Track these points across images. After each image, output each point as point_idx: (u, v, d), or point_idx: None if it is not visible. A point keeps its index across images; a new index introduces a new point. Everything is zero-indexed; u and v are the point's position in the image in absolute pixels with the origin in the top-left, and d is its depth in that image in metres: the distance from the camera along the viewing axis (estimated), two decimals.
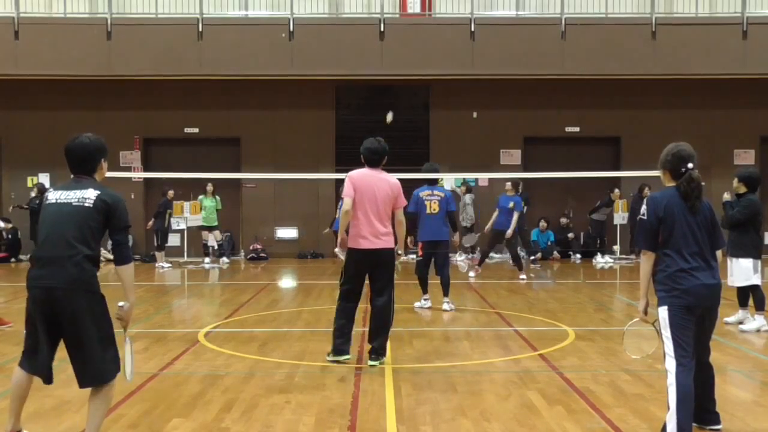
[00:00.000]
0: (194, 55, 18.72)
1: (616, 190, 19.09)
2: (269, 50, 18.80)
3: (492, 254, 19.63)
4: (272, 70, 19.03)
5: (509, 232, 14.81)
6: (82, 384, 4.69)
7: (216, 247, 18.64)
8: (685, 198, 4.98)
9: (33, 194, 19.18)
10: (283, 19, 18.94)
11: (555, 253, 19.73)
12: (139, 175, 19.50)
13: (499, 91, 20.09)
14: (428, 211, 10.83)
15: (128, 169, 20.11)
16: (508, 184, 15.21)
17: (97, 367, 4.62)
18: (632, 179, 18.90)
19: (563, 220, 20.27)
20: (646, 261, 5.05)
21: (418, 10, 20.12)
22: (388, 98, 20.91)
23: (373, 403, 6.13)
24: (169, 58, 18.69)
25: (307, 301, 12.44)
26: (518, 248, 15.94)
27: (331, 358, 7.51)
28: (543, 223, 19.77)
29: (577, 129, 20.56)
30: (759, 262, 9.19)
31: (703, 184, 5.07)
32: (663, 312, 4.95)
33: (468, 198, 19.40)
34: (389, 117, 10.71)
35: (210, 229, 18.38)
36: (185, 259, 18.87)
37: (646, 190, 18.17)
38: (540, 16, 19.94)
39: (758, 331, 9.10)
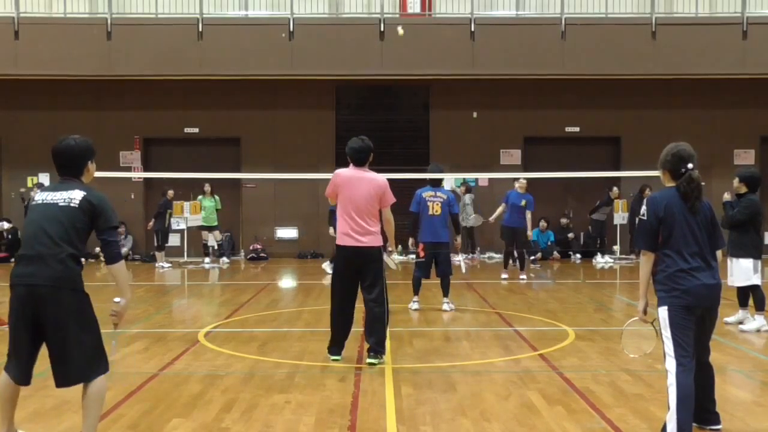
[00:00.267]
0: (194, 55, 18.72)
1: (615, 189, 19.09)
2: (269, 50, 18.80)
3: (492, 254, 19.68)
4: (272, 70, 19.03)
5: (529, 233, 14.87)
6: (58, 383, 4.66)
7: (216, 247, 18.64)
8: (685, 198, 4.98)
9: (33, 194, 19.19)
10: (283, 19, 18.94)
11: (555, 253, 19.73)
12: (139, 175, 19.50)
13: (499, 91, 20.09)
14: (430, 212, 10.82)
15: (128, 169, 20.12)
16: (523, 180, 14.99)
17: (74, 367, 4.59)
18: (632, 179, 18.91)
19: (563, 220, 20.27)
20: (645, 261, 5.05)
21: (418, 10, 20.12)
22: (388, 98, 20.95)
23: (373, 403, 6.13)
24: (169, 58, 18.69)
25: (307, 301, 12.44)
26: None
27: (330, 356, 7.62)
28: (543, 223, 19.77)
29: (577, 129, 20.56)
30: (759, 262, 9.19)
31: (702, 184, 5.07)
32: (663, 312, 4.95)
33: (468, 198, 19.40)
34: (400, 30, 10.65)
35: (210, 229, 18.39)
36: (185, 259, 18.86)
37: (647, 191, 18.19)
38: (540, 16, 19.95)
39: (758, 331, 9.10)
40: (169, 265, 17.97)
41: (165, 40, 18.60)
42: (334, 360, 7.55)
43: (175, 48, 18.64)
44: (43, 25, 18.95)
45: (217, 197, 18.47)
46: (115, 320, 4.81)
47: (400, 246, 19.26)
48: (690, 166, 5.01)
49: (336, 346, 7.62)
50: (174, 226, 18.07)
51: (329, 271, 15.54)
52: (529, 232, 14.95)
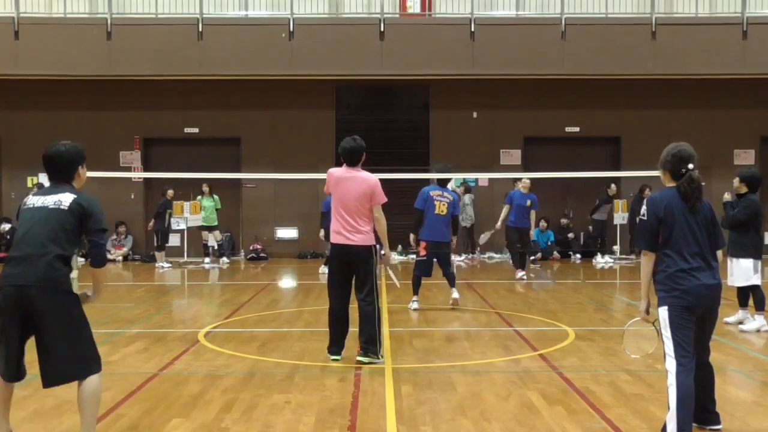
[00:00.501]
0: (194, 55, 18.72)
1: (613, 186, 19.08)
2: (269, 50, 18.79)
3: (492, 254, 19.67)
4: (272, 70, 19.02)
5: (532, 233, 14.84)
6: (45, 383, 4.69)
7: (216, 247, 18.64)
8: (685, 198, 4.98)
9: (25, 198, 19.18)
10: (283, 19, 18.94)
11: (555, 253, 19.73)
12: (139, 175, 19.50)
13: (499, 91, 20.09)
14: (436, 211, 10.85)
15: (128, 169, 20.12)
16: (526, 180, 14.95)
17: (61, 366, 4.63)
18: (632, 179, 18.90)
19: (563, 221, 20.27)
20: (646, 261, 5.05)
21: (418, 10, 20.12)
22: (388, 98, 20.94)
23: (373, 403, 6.13)
24: (169, 58, 18.68)
25: (307, 301, 12.44)
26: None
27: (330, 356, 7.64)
28: (543, 223, 19.76)
29: (577, 129, 20.56)
30: (759, 263, 9.19)
31: (703, 184, 5.07)
32: (663, 312, 4.95)
33: (468, 198, 19.39)
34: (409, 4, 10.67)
35: (210, 229, 18.39)
36: (185, 259, 18.86)
37: (647, 191, 18.19)
38: (540, 16, 19.94)
39: (758, 331, 9.10)
40: (169, 265, 17.97)
41: (165, 40, 18.60)
42: (333, 360, 7.56)
43: (175, 48, 18.64)
44: (43, 25, 18.93)
45: (216, 197, 18.47)
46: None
47: (399, 246, 19.28)
48: (690, 166, 5.01)
49: (335, 345, 7.64)
50: (174, 226, 18.06)
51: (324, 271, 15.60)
52: (533, 231, 14.93)
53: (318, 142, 20.28)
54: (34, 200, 4.83)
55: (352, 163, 7.61)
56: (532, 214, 14.72)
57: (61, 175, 4.87)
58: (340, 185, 7.54)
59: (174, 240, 19.05)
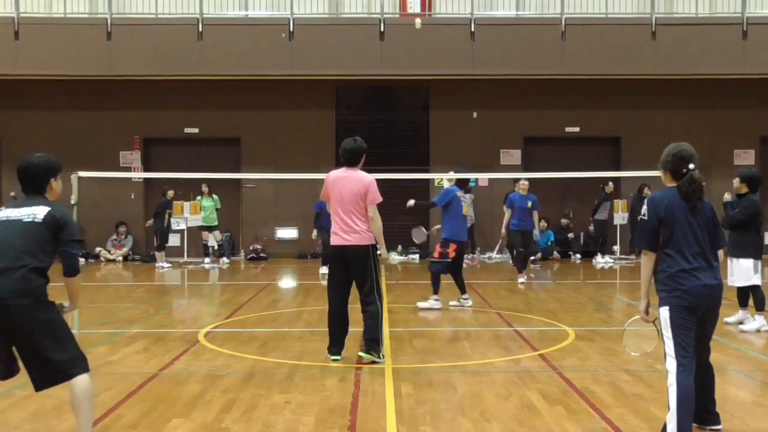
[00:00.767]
0: (194, 55, 18.72)
1: (610, 183, 19.06)
2: (269, 50, 18.79)
3: (491, 254, 19.67)
4: (272, 70, 19.02)
5: (536, 233, 14.80)
6: (36, 387, 4.77)
7: (216, 248, 18.64)
8: (686, 199, 4.97)
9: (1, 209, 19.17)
10: (283, 19, 18.94)
11: (555, 253, 19.72)
12: (139, 175, 19.49)
13: (499, 91, 20.09)
14: (463, 212, 10.92)
15: (128, 169, 20.12)
16: (525, 182, 14.91)
17: (45, 370, 4.68)
18: (632, 179, 18.89)
19: (563, 221, 20.26)
20: (646, 261, 5.05)
21: (418, 10, 20.11)
22: (388, 98, 20.94)
23: (373, 403, 6.14)
24: (169, 58, 18.68)
25: (307, 301, 12.44)
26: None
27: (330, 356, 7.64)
28: (543, 223, 19.71)
29: (577, 129, 20.56)
30: (759, 263, 9.19)
31: (704, 183, 5.06)
32: (664, 312, 4.94)
33: (467, 198, 19.35)
34: (418, 22, 10.70)
35: (210, 229, 18.39)
36: (185, 259, 18.85)
37: (646, 191, 18.17)
38: (540, 16, 19.94)
39: (758, 331, 9.10)
40: (169, 265, 17.97)
41: (165, 40, 18.60)
42: (333, 360, 7.56)
43: (175, 48, 18.64)
44: (43, 25, 18.93)
45: (216, 196, 18.47)
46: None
47: (399, 246, 19.29)
48: (691, 166, 5.01)
49: (335, 346, 7.64)
50: (174, 227, 18.06)
51: (323, 271, 15.59)
52: (537, 231, 14.87)
53: (318, 142, 20.29)
54: (8, 213, 4.88)
55: (351, 164, 7.61)
56: (535, 214, 14.68)
57: (34, 186, 4.93)
58: (336, 185, 7.54)
59: (174, 240, 19.05)
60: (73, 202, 9.40)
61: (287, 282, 16.02)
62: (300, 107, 20.35)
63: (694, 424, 5.08)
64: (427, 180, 19.45)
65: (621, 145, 20.55)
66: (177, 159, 19.81)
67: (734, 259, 9.19)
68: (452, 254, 10.87)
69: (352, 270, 7.52)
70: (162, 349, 8.26)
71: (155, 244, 18.17)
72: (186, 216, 17.97)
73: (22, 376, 4.82)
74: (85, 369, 4.78)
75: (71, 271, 4.83)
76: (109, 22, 18.62)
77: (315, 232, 15.84)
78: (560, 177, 17.36)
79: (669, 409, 4.86)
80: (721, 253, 5.23)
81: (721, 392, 6.10)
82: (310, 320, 10.25)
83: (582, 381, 6.79)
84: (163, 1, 19.31)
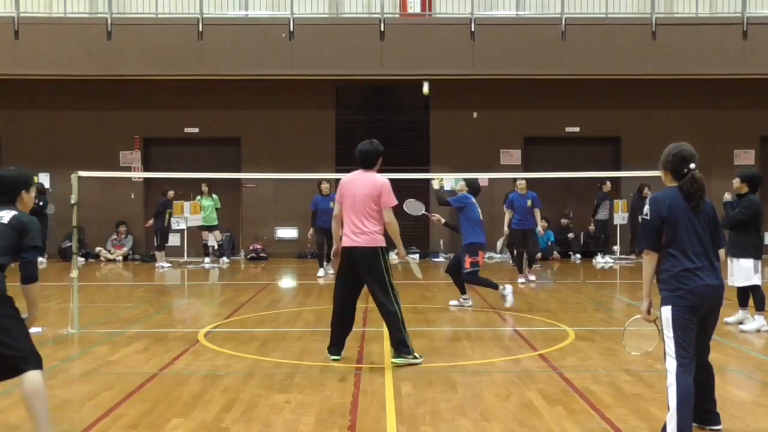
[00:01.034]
0: (194, 55, 18.72)
1: (608, 183, 19.05)
2: (269, 50, 18.79)
3: (492, 254, 19.66)
4: (272, 70, 19.02)
5: (539, 230, 14.77)
6: None
7: (216, 247, 18.64)
8: (688, 198, 4.98)
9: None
10: (283, 19, 18.94)
11: (555, 253, 19.72)
12: (139, 175, 19.49)
13: (499, 91, 20.09)
14: (481, 217, 11.10)
15: (128, 169, 20.13)
16: (521, 181, 14.84)
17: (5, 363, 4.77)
18: (632, 179, 18.89)
19: (563, 221, 20.26)
20: (649, 261, 5.04)
21: (418, 10, 20.11)
22: (388, 98, 20.94)
23: (373, 403, 6.14)
24: (169, 58, 18.68)
25: (307, 301, 12.44)
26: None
27: (329, 355, 7.63)
28: (543, 223, 19.74)
29: (577, 129, 20.56)
30: (759, 263, 9.19)
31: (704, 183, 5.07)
32: (666, 312, 4.94)
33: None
34: (425, 88, 10.73)
35: (210, 229, 18.39)
36: (185, 259, 18.86)
37: (646, 190, 18.18)
38: (540, 16, 19.94)
39: (758, 331, 9.10)
40: (169, 265, 17.97)
41: (165, 40, 18.60)
42: (333, 360, 7.55)
43: (175, 48, 18.64)
44: (43, 25, 18.93)
45: (215, 196, 18.47)
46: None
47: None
48: (692, 166, 5.01)
49: (335, 346, 7.64)
50: (174, 226, 18.08)
51: (320, 274, 15.55)
52: (539, 229, 14.83)
53: (318, 142, 20.29)
54: None
55: (366, 166, 7.57)
56: (536, 212, 14.65)
57: (4, 197, 5.01)
58: (350, 187, 7.49)
59: (174, 240, 19.06)
60: (73, 202, 9.38)
61: (287, 282, 16.02)
62: (300, 107, 20.35)
63: (694, 424, 5.08)
64: (427, 180, 19.43)
65: (621, 145, 20.55)
66: (177, 159, 19.82)
67: (734, 259, 9.19)
68: (482, 261, 11.06)
69: (362, 272, 7.44)
70: (162, 349, 8.27)
71: (155, 244, 18.17)
72: (186, 216, 17.99)
73: None
74: (36, 366, 4.81)
75: (29, 277, 4.85)
76: (109, 22, 18.63)
77: (311, 231, 15.83)
78: (560, 177, 17.36)
79: (669, 409, 4.86)
80: (722, 252, 5.23)
81: (721, 392, 6.10)
82: (310, 320, 10.25)
83: (582, 381, 6.79)
84: (163, 1, 19.31)
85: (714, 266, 4.99)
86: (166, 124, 20.42)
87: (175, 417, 5.77)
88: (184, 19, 18.84)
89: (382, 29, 18.76)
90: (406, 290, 11.50)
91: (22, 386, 4.78)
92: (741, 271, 9.14)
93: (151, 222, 18.25)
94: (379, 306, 7.47)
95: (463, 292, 11.33)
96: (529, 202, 14.56)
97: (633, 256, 18.71)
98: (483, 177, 19.81)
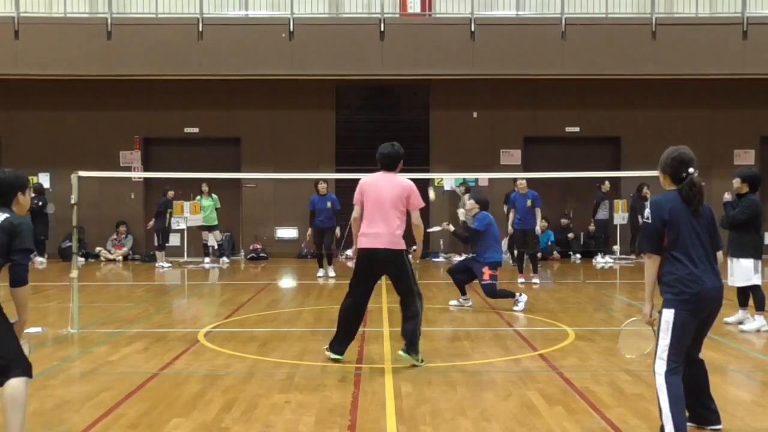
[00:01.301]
0: (194, 55, 18.72)
1: (606, 182, 19.03)
2: (269, 50, 18.79)
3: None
4: (272, 70, 19.02)
5: (538, 229, 14.78)
6: None
7: (216, 247, 18.64)
8: (687, 202, 4.98)
9: (32, 195, 19.19)
10: (283, 19, 18.94)
11: (555, 253, 19.72)
12: (139, 175, 19.49)
13: (499, 91, 20.10)
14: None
15: (128, 169, 20.12)
16: (521, 181, 14.79)
17: None
18: (632, 179, 18.89)
19: (563, 221, 20.26)
20: (651, 264, 5.03)
21: (418, 10, 20.11)
22: (388, 98, 20.94)
23: (373, 403, 6.14)
24: (169, 58, 18.69)
25: (307, 301, 12.44)
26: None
27: (327, 352, 7.57)
28: (543, 223, 19.72)
29: (577, 129, 20.56)
30: (759, 263, 9.19)
31: (703, 184, 5.07)
32: (668, 314, 4.92)
33: (467, 198, 19.35)
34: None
35: (210, 228, 18.39)
36: (185, 259, 18.86)
37: (645, 190, 18.20)
38: (540, 16, 19.94)
39: (758, 331, 9.09)
40: (169, 265, 17.97)
41: (165, 40, 18.60)
42: (335, 360, 7.49)
43: (175, 48, 18.64)
44: (43, 25, 18.93)
45: (215, 196, 18.47)
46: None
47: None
48: (691, 170, 5.02)
49: (340, 345, 7.54)
50: (174, 226, 18.08)
51: (320, 274, 15.51)
52: (539, 229, 14.81)
53: (318, 142, 20.29)
54: None
55: (389, 168, 7.56)
56: (537, 211, 14.62)
57: (0, 199, 4.96)
58: (376, 187, 7.44)
59: (174, 240, 19.06)
60: (73, 202, 9.39)
61: (287, 282, 16.02)
62: (300, 107, 20.35)
63: (694, 424, 5.09)
64: (427, 180, 19.44)
65: (621, 145, 20.55)
66: (177, 159, 19.82)
67: (734, 259, 9.18)
68: (498, 273, 11.14)
69: (389, 273, 7.44)
70: (162, 349, 8.27)
71: (156, 244, 18.17)
72: (186, 216, 17.99)
73: None
74: (21, 373, 4.72)
75: (18, 280, 4.75)
76: (109, 22, 18.63)
77: (309, 231, 15.81)
78: (560, 177, 17.37)
79: (661, 411, 4.85)
80: (720, 254, 5.24)
81: (721, 392, 6.11)
82: (310, 320, 10.25)
83: (582, 381, 6.79)
84: (163, 1, 19.32)
85: (714, 269, 5.02)
86: (166, 124, 20.42)
87: (175, 417, 5.77)
88: (184, 19, 18.84)
89: (382, 29, 18.76)
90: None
91: (3, 392, 4.68)
92: (741, 271, 9.13)
93: (152, 223, 18.24)
94: (404, 306, 7.45)
95: (463, 293, 11.35)
96: (529, 202, 14.53)
97: (633, 256, 18.71)
98: (483, 177, 19.94)
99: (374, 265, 7.43)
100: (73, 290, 9.55)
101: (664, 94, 20.05)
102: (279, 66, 18.84)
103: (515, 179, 15.71)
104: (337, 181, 18.49)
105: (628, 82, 19.71)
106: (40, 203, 18.70)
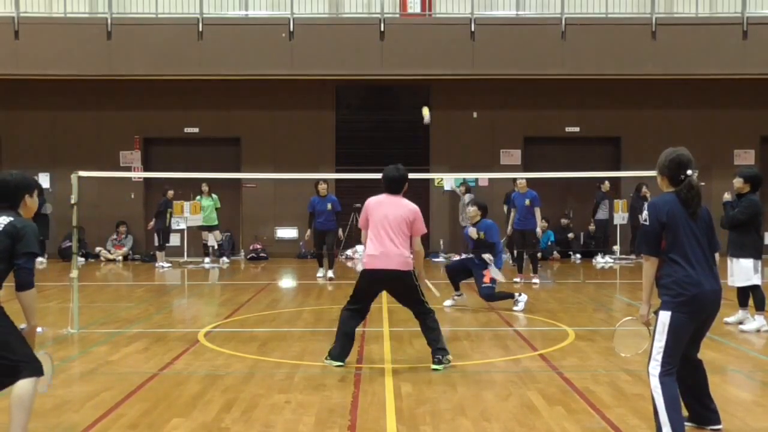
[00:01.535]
0: (194, 55, 18.72)
1: (606, 182, 19.03)
2: (269, 50, 18.79)
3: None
4: (272, 70, 19.02)
5: (538, 231, 14.77)
6: None
7: (216, 247, 18.64)
8: (685, 205, 4.97)
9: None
10: (283, 19, 18.94)
11: (555, 253, 19.72)
12: (139, 175, 19.49)
13: (499, 91, 20.09)
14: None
15: (128, 169, 20.13)
16: (521, 180, 14.76)
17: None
18: (632, 179, 18.89)
19: (563, 221, 20.26)
20: (649, 266, 5.02)
21: (418, 10, 20.11)
22: (388, 98, 20.94)
23: (373, 403, 6.14)
24: (169, 58, 18.69)
25: (307, 301, 12.44)
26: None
27: (327, 360, 7.50)
28: (543, 223, 19.70)
29: (577, 129, 20.56)
30: (759, 263, 9.19)
31: (702, 184, 5.07)
32: (665, 317, 4.91)
33: (467, 198, 19.35)
34: (426, 116, 10.71)
35: (210, 228, 18.39)
36: (185, 259, 18.86)
37: (644, 189, 18.21)
38: (540, 16, 19.94)
39: (758, 331, 9.09)
40: (169, 264, 17.97)
41: (165, 40, 18.60)
42: (337, 366, 7.38)
43: (175, 48, 18.64)
44: (43, 25, 18.94)
45: (215, 196, 18.47)
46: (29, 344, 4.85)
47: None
48: (689, 172, 5.01)
49: (342, 354, 7.46)
50: (174, 226, 18.08)
51: (320, 274, 15.51)
52: (539, 229, 14.79)
53: (318, 142, 20.29)
54: None
55: (394, 191, 7.57)
56: (536, 211, 14.59)
57: (6, 202, 4.92)
58: (381, 207, 7.45)
59: (174, 240, 19.06)
60: (73, 202, 9.39)
61: (287, 282, 16.02)
62: (300, 107, 20.35)
63: (694, 424, 5.08)
64: (427, 180, 19.46)
65: (621, 145, 20.55)
66: (177, 159, 19.82)
67: (734, 259, 9.19)
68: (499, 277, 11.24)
69: (399, 294, 7.49)
70: (162, 349, 8.27)
71: (156, 244, 18.17)
72: (186, 216, 17.99)
73: None
74: (31, 374, 4.70)
75: (24, 284, 4.71)
76: (109, 21, 18.63)
77: (308, 233, 15.79)
78: (560, 177, 17.37)
79: (657, 413, 4.85)
80: (717, 255, 5.24)
81: (721, 392, 6.11)
82: (310, 320, 10.25)
83: (582, 381, 6.80)
84: (163, 1, 19.32)
85: (713, 271, 5.00)
86: (166, 124, 20.42)
87: (175, 417, 5.77)
88: (184, 19, 18.84)
89: (382, 29, 18.76)
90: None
91: (12, 392, 4.66)
92: (741, 271, 9.13)
93: (152, 223, 18.24)
94: (420, 318, 7.47)
95: (456, 288, 11.45)
96: (527, 201, 14.50)
97: (633, 256, 18.71)
98: (483, 177, 19.95)
99: (382, 285, 7.49)
100: (73, 290, 9.56)
101: (664, 94, 20.05)
102: (279, 66, 18.84)
103: (515, 179, 15.67)
104: (337, 181, 18.50)
105: (628, 82, 19.71)
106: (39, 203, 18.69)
